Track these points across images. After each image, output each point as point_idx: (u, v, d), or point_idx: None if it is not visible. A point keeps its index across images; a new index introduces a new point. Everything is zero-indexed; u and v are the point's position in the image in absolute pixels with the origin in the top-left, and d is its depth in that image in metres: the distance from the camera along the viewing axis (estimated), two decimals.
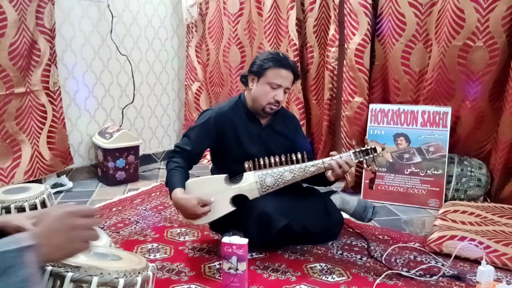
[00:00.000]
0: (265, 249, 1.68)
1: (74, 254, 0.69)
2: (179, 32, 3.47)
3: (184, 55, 3.50)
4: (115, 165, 2.71)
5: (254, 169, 1.65)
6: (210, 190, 1.61)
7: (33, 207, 1.60)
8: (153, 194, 2.49)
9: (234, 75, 3.23)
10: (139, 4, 3.13)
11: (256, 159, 1.66)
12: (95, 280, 0.81)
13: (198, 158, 1.79)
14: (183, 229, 1.93)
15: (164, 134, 3.49)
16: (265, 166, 1.66)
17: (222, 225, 1.73)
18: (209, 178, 1.71)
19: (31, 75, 2.44)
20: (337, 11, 2.57)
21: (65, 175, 2.69)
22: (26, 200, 1.58)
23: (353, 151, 1.65)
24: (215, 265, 1.57)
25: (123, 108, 3.10)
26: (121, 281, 0.85)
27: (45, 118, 2.52)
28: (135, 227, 1.97)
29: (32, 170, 2.46)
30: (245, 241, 1.35)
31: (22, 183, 2.27)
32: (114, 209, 2.23)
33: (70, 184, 2.63)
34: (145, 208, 2.25)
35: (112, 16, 2.90)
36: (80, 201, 2.42)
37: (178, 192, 1.55)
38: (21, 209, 1.57)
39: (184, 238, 1.84)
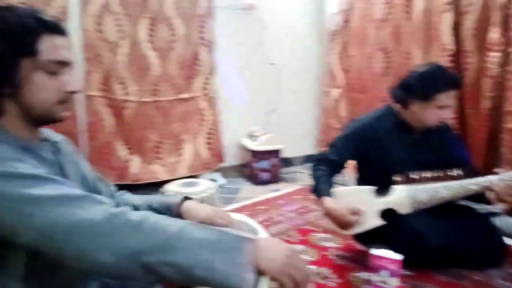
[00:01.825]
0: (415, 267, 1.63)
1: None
2: (322, 39, 3.54)
3: (326, 61, 3.55)
4: (261, 166, 2.92)
5: (406, 183, 1.61)
6: (358, 201, 1.62)
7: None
8: (295, 197, 2.61)
9: (377, 82, 3.16)
10: (286, 14, 3.29)
11: (407, 172, 1.61)
12: None
13: (342, 168, 1.82)
14: (327, 235, 1.98)
15: (304, 139, 3.61)
16: (416, 181, 1.60)
17: (366, 237, 1.73)
18: (357, 189, 1.72)
19: (193, 83, 2.79)
20: (500, 12, 2.31)
21: (218, 172, 3.00)
22: (199, 194, 1.84)
23: None
24: (360, 276, 1.59)
25: (268, 113, 3.31)
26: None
27: (204, 121, 2.86)
28: (280, 227, 2.10)
29: (193, 166, 2.82)
30: (399, 257, 1.34)
31: (186, 177, 2.60)
32: (262, 207, 2.40)
33: (223, 180, 2.94)
34: (288, 209, 2.38)
35: (263, 27, 3.11)
36: (230, 197, 2.67)
37: (329, 201, 1.59)
38: None
39: (329, 244, 1.89)
